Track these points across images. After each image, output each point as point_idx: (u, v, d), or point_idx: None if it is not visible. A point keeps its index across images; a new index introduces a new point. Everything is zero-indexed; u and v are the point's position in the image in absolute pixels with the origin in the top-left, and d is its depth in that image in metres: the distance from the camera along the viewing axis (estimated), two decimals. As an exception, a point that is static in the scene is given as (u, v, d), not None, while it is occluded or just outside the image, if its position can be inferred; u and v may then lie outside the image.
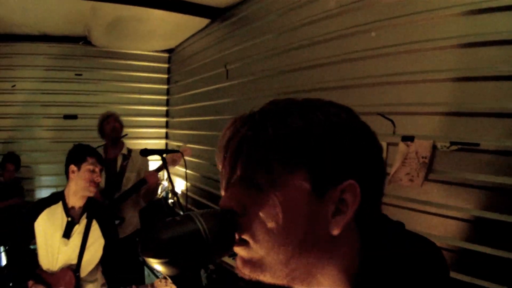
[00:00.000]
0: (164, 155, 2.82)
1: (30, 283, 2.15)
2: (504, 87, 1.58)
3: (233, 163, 0.62)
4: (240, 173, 0.61)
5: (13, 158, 4.55)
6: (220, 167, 0.66)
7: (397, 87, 2.08)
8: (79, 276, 2.23)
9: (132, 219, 3.41)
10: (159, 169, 3.38)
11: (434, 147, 1.82)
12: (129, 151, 3.58)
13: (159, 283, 1.99)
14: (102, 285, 2.38)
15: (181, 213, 4.73)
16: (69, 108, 5.30)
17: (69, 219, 2.23)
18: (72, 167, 2.25)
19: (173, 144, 5.58)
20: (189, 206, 4.80)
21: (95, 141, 5.01)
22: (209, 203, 4.33)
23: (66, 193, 2.28)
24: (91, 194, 2.29)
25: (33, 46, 5.02)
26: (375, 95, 2.21)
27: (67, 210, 2.25)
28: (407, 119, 2.01)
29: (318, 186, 0.58)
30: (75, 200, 2.26)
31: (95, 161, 2.27)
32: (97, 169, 2.27)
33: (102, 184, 3.29)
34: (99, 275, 2.38)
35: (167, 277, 1.67)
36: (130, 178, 3.45)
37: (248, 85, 3.57)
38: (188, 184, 4.90)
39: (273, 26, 3.17)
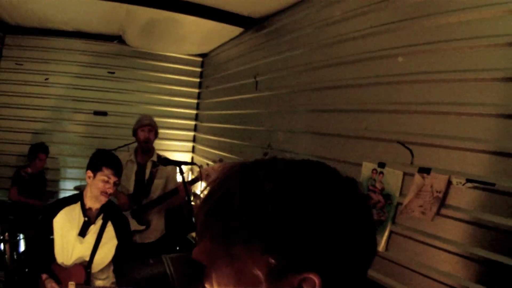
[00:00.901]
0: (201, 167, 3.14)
1: (44, 276, 2.29)
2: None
3: (203, 226, 0.65)
4: (208, 236, 0.65)
5: (44, 148, 4.77)
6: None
7: (420, 117, 2.08)
8: (90, 272, 2.37)
9: (157, 225, 3.52)
10: (192, 181, 3.53)
11: (449, 182, 1.80)
12: (159, 157, 3.58)
13: None
14: (112, 283, 2.51)
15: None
16: (99, 105, 5.51)
17: (86, 219, 2.38)
18: (89, 173, 2.37)
19: (199, 147, 5.70)
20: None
21: (123, 138, 5.27)
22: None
23: (84, 194, 2.43)
24: (101, 203, 2.40)
25: (68, 42, 5.26)
26: (397, 122, 2.21)
27: (85, 210, 2.40)
28: (426, 151, 2.00)
29: (275, 270, 0.58)
30: (92, 202, 2.40)
31: (111, 172, 2.35)
32: (111, 181, 2.35)
33: (131, 188, 3.41)
34: (110, 274, 2.51)
35: None
36: (158, 185, 3.52)
37: (276, 98, 3.62)
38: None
39: (306, 41, 3.20)
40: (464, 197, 1.76)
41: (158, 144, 5.44)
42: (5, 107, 5.17)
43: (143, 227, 3.38)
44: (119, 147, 5.00)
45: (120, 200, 3.24)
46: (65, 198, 2.54)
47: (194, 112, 5.90)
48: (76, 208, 2.40)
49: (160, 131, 5.57)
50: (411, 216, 1.99)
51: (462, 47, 1.86)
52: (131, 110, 5.59)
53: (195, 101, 5.88)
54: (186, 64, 5.77)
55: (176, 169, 3.60)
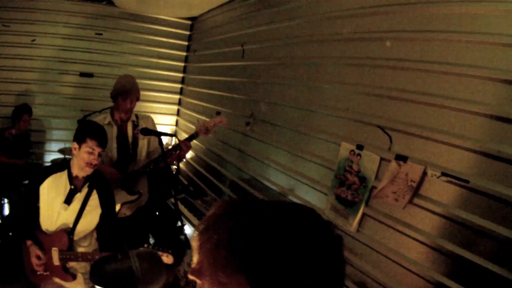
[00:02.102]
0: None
1: (29, 242, 2.29)
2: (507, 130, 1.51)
3: (198, 253, 0.74)
4: (202, 263, 0.73)
5: (28, 109, 4.60)
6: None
7: (403, 104, 2.02)
8: (72, 239, 2.36)
9: (145, 191, 3.28)
10: (192, 137, 3.08)
11: (424, 173, 1.77)
12: (137, 117, 3.26)
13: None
14: (94, 250, 2.50)
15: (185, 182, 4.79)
16: (86, 66, 5.31)
17: (72, 187, 2.34)
18: (74, 144, 2.31)
19: (184, 111, 5.58)
20: (191, 175, 4.87)
21: (109, 100, 5.03)
22: (207, 175, 4.36)
23: (71, 163, 2.39)
24: (87, 174, 2.35)
25: (56, 3, 4.99)
26: (379, 107, 2.16)
27: (71, 178, 2.36)
28: (405, 139, 1.97)
29: None
30: (79, 171, 2.36)
31: (95, 144, 2.28)
32: (95, 152, 2.29)
33: (115, 155, 3.11)
34: (92, 241, 2.50)
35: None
36: (143, 146, 3.23)
37: (261, 69, 3.52)
38: (193, 154, 4.95)
39: (295, 14, 3.06)
40: (437, 190, 1.73)
41: (143, 106, 5.33)
42: None
43: (135, 196, 3.12)
44: (104, 109, 4.88)
45: (108, 176, 2.86)
46: (52, 165, 2.51)
47: (181, 75, 5.74)
48: (63, 175, 2.37)
49: (146, 93, 5.46)
50: (384, 201, 1.98)
51: (453, 40, 1.79)
52: (117, 72, 5.35)
53: (182, 64, 5.70)
54: (175, 27, 5.55)
55: (155, 125, 3.44)
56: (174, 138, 5.16)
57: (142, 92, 4.99)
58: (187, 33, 5.60)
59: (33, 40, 4.99)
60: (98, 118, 3.13)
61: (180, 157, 3.27)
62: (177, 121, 5.84)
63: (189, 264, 3.13)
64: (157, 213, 3.74)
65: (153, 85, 5.56)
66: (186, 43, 5.61)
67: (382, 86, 2.15)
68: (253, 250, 0.66)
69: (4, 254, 3.50)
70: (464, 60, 1.72)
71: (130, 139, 3.19)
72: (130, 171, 3.11)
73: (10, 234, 3.67)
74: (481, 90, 1.64)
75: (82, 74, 5.32)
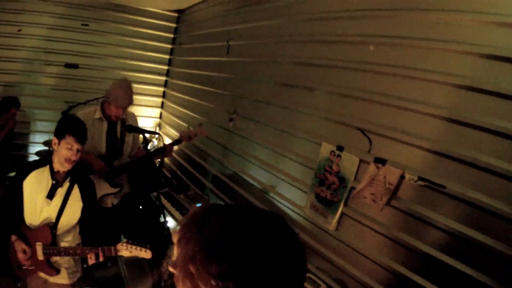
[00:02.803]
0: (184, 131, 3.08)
1: (13, 237, 2.28)
2: (484, 139, 1.53)
3: (177, 248, 0.80)
4: (179, 256, 0.79)
5: (17, 102, 4.50)
6: None
7: (383, 108, 2.03)
8: (55, 233, 2.35)
9: (125, 182, 3.33)
10: (176, 142, 3.28)
11: (402, 177, 1.78)
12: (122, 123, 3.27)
13: (120, 246, 2.21)
14: (77, 244, 2.49)
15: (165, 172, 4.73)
16: (71, 57, 5.20)
17: (54, 182, 2.32)
18: (54, 139, 2.29)
19: (168, 104, 5.51)
20: (174, 168, 4.83)
21: (94, 91, 5.04)
22: (191, 169, 4.32)
23: (53, 158, 2.36)
24: (67, 169, 2.34)
25: None
26: (360, 109, 2.17)
27: (53, 173, 2.35)
28: (384, 142, 1.98)
29: None
30: (60, 166, 2.34)
31: (73, 140, 2.26)
32: (74, 148, 2.28)
33: (103, 150, 3.13)
34: (75, 235, 2.49)
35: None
36: (128, 143, 3.29)
37: (245, 66, 3.50)
38: (176, 147, 4.91)
39: (281, 12, 3.05)
40: (414, 193, 1.74)
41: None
42: None
43: (117, 189, 3.14)
44: (89, 100, 4.78)
45: (97, 166, 2.99)
46: (35, 161, 2.49)
47: (166, 68, 5.67)
48: (45, 171, 2.35)
49: (131, 85, 5.36)
50: (362, 202, 1.99)
51: (432, 47, 1.80)
52: (103, 64, 5.35)
53: (167, 57, 5.64)
54: (161, 19, 5.47)
55: (137, 121, 3.47)
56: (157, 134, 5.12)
57: (126, 84, 4.89)
58: (174, 25, 5.53)
59: (19, 30, 4.87)
60: (88, 111, 3.12)
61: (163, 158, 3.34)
62: (161, 114, 5.78)
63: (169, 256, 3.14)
64: (140, 207, 3.70)
65: (138, 77, 5.47)
66: (172, 35, 5.55)
67: (364, 89, 2.16)
68: (219, 245, 0.73)
69: None
70: (442, 68, 1.74)
71: (118, 135, 3.21)
72: (116, 165, 3.13)
73: None
74: (449, 96, 1.68)
75: (68, 65, 5.22)
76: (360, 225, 2.05)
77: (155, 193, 3.57)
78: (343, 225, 2.18)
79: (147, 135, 3.28)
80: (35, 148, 5.23)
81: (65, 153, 2.26)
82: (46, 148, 4.72)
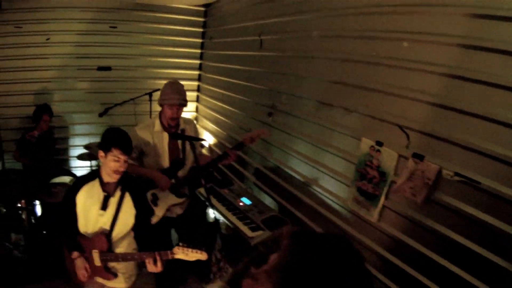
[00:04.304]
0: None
1: (75, 254, 2.51)
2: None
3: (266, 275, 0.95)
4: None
5: (48, 109, 4.83)
6: None
7: (421, 105, 2.22)
8: (111, 240, 2.56)
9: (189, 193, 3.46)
10: (239, 146, 3.26)
11: (439, 172, 2.02)
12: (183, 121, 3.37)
13: (177, 249, 2.35)
14: (134, 249, 2.72)
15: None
16: (103, 60, 5.58)
17: (105, 193, 2.53)
18: (101, 153, 2.47)
19: (203, 97, 5.85)
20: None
21: (128, 91, 5.48)
22: (232, 162, 4.61)
23: (101, 170, 2.59)
24: (115, 180, 2.53)
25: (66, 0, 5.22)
26: (399, 106, 2.37)
27: (103, 185, 2.55)
28: (422, 138, 2.20)
29: None
30: (109, 177, 2.55)
31: (119, 152, 2.43)
32: (121, 160, 2.45)
33: (167, 164, 3.22)
34: (131, 240, 2.71)
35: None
36: (189, 152, 3.29)
37: (281, 60, 3.73)
38: (217, 141, 5.26)
39: (314, 7, 3.22)
40: (451, 188, 1.99)
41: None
42: (6, 71, 5.22)
43: (183, 199, 3.31)
44: (125, 101, 5.16)
45: (162, 183, 3.13)
46: (84, 176, 2.70)
47: (198, 62, 6.01)
48: (95, 184, 2.56)
49: (164, 82, 5.70)
50: (402, 195, 2.24)
51: (469, 45, 1.95)
52: (135, 63, 5.71)
53: (199, 51, 5.96)
54: (188, 14, 5.76)
55: (195, 128, 3.57)
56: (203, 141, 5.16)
57: (160, 81, 5.27)
58: (202, 19, 5.82)
59: (48, 39, 5.24)
60: (146, 125, 3.25)
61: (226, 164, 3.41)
62: (197, 108, 6.14)
63: (219, 251, 3.47)
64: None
65: (171, 73, 5.83)
66: (201, 29, 5.85)
67: (402, 87, 2.33)
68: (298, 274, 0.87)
69: (44, 252, 3.92)
70: (489, 70, 1.88)
71: (179, 145, 3.30)
72: (180, 177, 3.27)
73: (51, 234, 4.06)
74: (486, 95, 1.87)
75: (100, 68, 5.60)
76: (401, 217, 2.32)
77: (200, 190, 3.89)
78: (385, 217, 2.45)
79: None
80: (75, 151, 5.61)
81: (113, 165, 2.44)
82: (87, 151, 5.07)
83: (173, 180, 3.22)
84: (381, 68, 2.52)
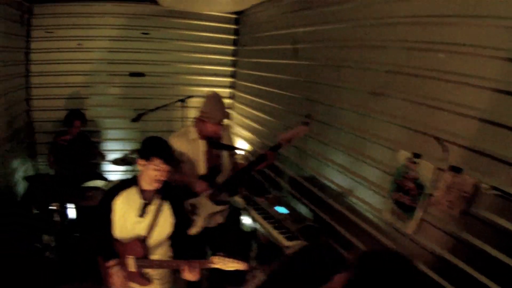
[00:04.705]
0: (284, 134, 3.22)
1: (112, 262, 2.54)
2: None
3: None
4: None
5: (79, 114, 5.04)
6: None
7: (459, 118, 2.30)
8: (147, 247, 2.60)
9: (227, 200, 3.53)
10: (276, 147, 3.27)
11: (476, 186, 2.10)
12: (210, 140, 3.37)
13: (216, 259, 2.38)
14: (169, 256, 2.79)
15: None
16: (135, 66, 5.84)
17: (144, 201, 2.57)
18: (140, 161, 2.51)
19: (237, 105, 6.04)
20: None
21: (161, 97, 5.72)
22: (267, 170, 4.77)
23: (139, 178, 2.65)
24: (154, 188, 2.55)
25: (99, 6, 5.50)
26: (436, 118, 2.45)
27: (142, 192, 2.59)
28: (460, 151, 2.28)
29: None
30: (148, 185, 2.60)
31: (160, 162, 2.46)
32: (161, 169, 2.48)
33: (204, 171, 3.29)
34: (167, 248, 2.78)
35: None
36: (225, 157, 3.41)
37: (317, 69, 3.83)
38: (249, 146, 5.43)
39: (350, 16, 3.31)
40: (488, 202, 2.07)
41: (195, 101, 5.81)
42: (38, 75, 5.53)
43: (225, 207, 3.38)
44: (158, 107, 5.40)
45: (198, 187, 3.20)
46: (122, 181, 2.74)
47: (230, 69, 6.22)
48: (133, 191, 2.59)
49: (197, 88, 5.98)
50: (439, 209, 2.33)
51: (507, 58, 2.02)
52: (167, 70, 5.96)
53: (231, 58, 6.17)
54: (220, 22, 5.99)
55: (230, 133, 3.67)
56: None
57: (193, 88, 5.44)
58: (234, 27, 6.03)
59: (79, 44, 5.54)
60: (182, 133, 3.33)
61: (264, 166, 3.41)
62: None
63: (254, 259, 3.61)
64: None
65: (204, 80, 6.08)
66: (233, 37, 6.05)
67: (439, 99, 2.41)
68: None
69: (75, 254, 4.11)
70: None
71: (216, 152, 3.36)
72: (218, 184, 3.32)
73: (83, 237, 4.31)
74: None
75: (132, 74, 5.86)
76: (437, 230, 2.40)
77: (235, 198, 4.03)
78: (421, 229, 2.53)
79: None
80: (109, 155, 5.79)
81: (153, 174, 2.46)
82: (122, 156, 5.33)
83: (210, 189, 3.27)
84: (420, 80, 2.58)
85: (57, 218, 4.20)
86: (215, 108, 3.17)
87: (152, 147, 2.51)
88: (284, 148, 3.33)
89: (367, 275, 1.05)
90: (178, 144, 3.25)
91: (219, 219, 3.45)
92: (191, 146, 3.28)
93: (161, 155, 2.46)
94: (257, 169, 3.36)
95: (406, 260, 1.11)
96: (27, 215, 4.64)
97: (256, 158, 3.33)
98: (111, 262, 2.55)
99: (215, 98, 3.25)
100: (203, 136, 3.27)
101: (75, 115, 5.00)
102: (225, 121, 3.30)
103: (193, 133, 3.28)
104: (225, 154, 3.38)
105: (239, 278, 3.42)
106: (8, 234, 3.94)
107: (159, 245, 2.67)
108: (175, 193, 2.76)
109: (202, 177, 3.27)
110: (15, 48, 5.07)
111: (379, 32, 2.97)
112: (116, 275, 2.52)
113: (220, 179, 3.36)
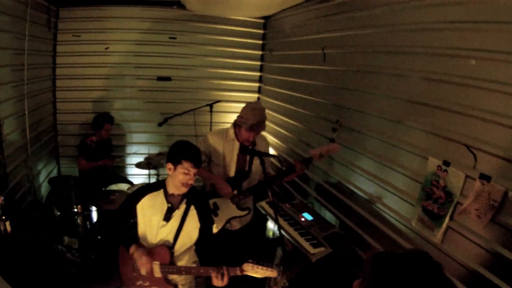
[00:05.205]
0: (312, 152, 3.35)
1: (132, 248, 2.63)
2: None
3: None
4: None
5: (109, 118, 5.28)
6: None
7: (489, 125, 2.34)
8: (173, 253, 2.70)
9: (251, 207, 3.63)
10: (307, 161, 3.47)
11: (505, 194, 2.16)
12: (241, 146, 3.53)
13: (247, 266, 2.45)
14: (194, 262, 2.87)
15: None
16: (162, 70, 6.04)
17: (169, 205, 2.66)
18: (169, 165, 2.60)
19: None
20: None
21: (188, 102, 5.94)
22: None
23: (167, 182, 2.71)
24: (182, 192, 2.65)
25: (126, 10, 5.69)
26: (466, 125, 2.50)
27: (168, 197, 2.69)
28: (489, 159, 2.33)
29: None
30: (175, 189, 2.66)
31: (190, 165, 2.54)
32: (191, 173, 2.56)
33: (232, 173, 3.45)
34: (192, 253, 2.86)
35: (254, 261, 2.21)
36: (257, 165, 3.52)
37: (346, 75, 3.91)
38: (275, 152, 5.53)
39: (379, 22, 3.38)
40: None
41: (221, 106, 6.01)
42: (65, 78, 5.78)
43: (245, 212, 3.46)
44: (185, 112, 5.58)
45: (223, 191, 3.32)
46: (148, 185, 2.84)
47: (258, 74, 6.37)
48: (159, 194, 2.68)
49: (224, 93, 6.14)
50: (467, 217, 2.39)
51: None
52: (195, 74, 6.14)
53: (258, 63, 6.33)
54: (248, 26, 6.14)
55: (268, 144, 3.83)
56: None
57: (220, 93, 5.56)
58: (261, 31, 6.17)
59: (107, 48, 5.76)
60: (220, 131, 3.53)
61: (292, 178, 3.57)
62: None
63: (278, 265, 3.70)
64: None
65: (231, 85, 6.25)
66: (260, 42, 6.20)
67: (469, 105, 2.46)
68: None
69: (97, 257, 4.28)
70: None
71: (247, 157, 3.53)
72: (243, 189, 3.49)
73: (105, 240, 4.42)
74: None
75: (160, 78, 6.05)
76: (465, 239, 2.45)
77: (262, 204, 4.14)
78: (448, 238, 2.58)
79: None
80: (133, 159, 6.08)
81: (182, 178, 2.54)
82: (145, 160, 5.47)
83: (235, 191, 3.40)
84: (451, 87, 2.62)
85: (79, 220, 4.38)
86: (256, 122, 3.29)
87: (182, 151, 2.60)
88: (285, 139, 3.41)
89: (385, 280, 1.07)
90: (214, 140, 3.43)
91: (238, 225, 3.60)
92: (226, 146, 3.45)
93: (191, 159, 2.55)
94: (285, 180, 3.51)
95: (427, 260, 1.11)
96: (48, 216, 4.78)
97: (285, 169, 3.46)
98: (133, 247, 2.63)
99: (258, 108, 3.38)
100: (239, 139, 3.44)
101: (106, 119, 5.22)
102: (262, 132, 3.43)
103: (231, 134, 3.45)
104: (256, 162, 3.49)
105: (260, 283, 3.60)
106: (29, 235, 4.02)
107: (185, 251, 2.76)
108: (201, 198, 2.86)
109: (228, 180, 3.41)
110: (43, 51, 5.30)
111: (411, 38, 3.01)
112: (140, 259, 2.59)
113: (246, 184, 3.53)
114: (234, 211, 3.43)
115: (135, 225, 2.76)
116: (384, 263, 1.11)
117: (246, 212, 3.49)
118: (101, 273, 4.12)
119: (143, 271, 2.68)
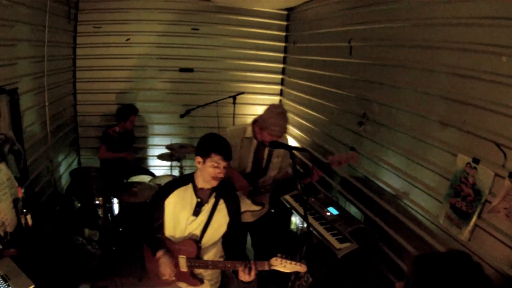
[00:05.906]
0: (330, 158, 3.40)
1: (160, 253, 2.69)
2: None
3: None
4: None
5: (134, 109, 5.44)
6: None
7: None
8: (200, 247, 2.73)
9: (267, 202, 3.76)
10: (323, 167, 3.51)
11: (534, 194, 2.24)
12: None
13: (275, 261, 2.46)
14: (220, 256, 2.90)
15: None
16: (184, 62, 6.17)
17: (199, 200, 2.68)
18: (198, 158, 2.60)
19: (287, 102, 6.26)
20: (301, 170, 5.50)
21: (210, 93, 6.09)
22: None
23: (195, 176, 2.71)
24: (211, 186, 2.66)
25: (147, 1, 5.81)
26: (496, 123, 2.55)
27: (197, 191, 2.70)
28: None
29: None
30: (204, 183, 2.67)
31: (220, 158, 2.53)
32: (221, 166, 2.56)
33: (249, 169, 3.55)
34: (219, 247, 2.88)
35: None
36: (275, 164, 3.65)
37: (373, 68, 3.96)
38: (299, 145, 5.64)
39: (407, 15, 3.42)
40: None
41: (244, 98, 6.13)
42: (85, 70, 5.94)
43: (259, 208, 3.58)
44: (207, 103, 5.70)
45: (239, 183, 3.40)
46: (176, 179, 2.85)
47: (281, 66, 6.46)
48: (188, 189, 2.69)
49: (247, 85, 6.25)
50: (496, 216, 2.46)
51: None
52: (217, 66, 6.26)
53: (282, 55, 6.42)
54: (271, 18, 6.23)
55: (287, 142, 3.81)
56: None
57: (243, 84, 5.67)
58: (284, 23, 6.26)
59: (128, 40, 5.89)
60: (238, 128, 3.61)
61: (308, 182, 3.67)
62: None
63: (302, 259, 3.81)
64: (272, 210, 4.18)
65: (253, 77, 6.36)
66: (284, 33, 6.29)
67: (500, 103, 2.50)
68: None
69: (118, 249, 4.43)
70: None
71: (265, 155, 3.63)
72: (259, 185, 3.58)
73: (127, 233, 4.57)
74: None
75: (182, 70, 6.18)
76: (493, 238, 2.51)
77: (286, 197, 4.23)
78: (476, 237, 2.64)
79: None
80: (155, 150, 6.23)
81: (212, 171, 2.54)
82: (168, 151, 5.62)
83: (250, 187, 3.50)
84: (481, 83, 2.65)
85: (101, 213, 4.46)
86: (279, 122, 3.35)
87: (211, 144, 2.59)
88: (309, 132, 3.47)
89: (428, 282, 1.13)
90: (232, 135, 3.49)
91: (250, 218, 3.70)
92: (244, 143, 3.54)
93: (221, 151, 2.55)
94: (301, 183, 3.51)
95: (468, 262, 1.20)
96: (69, 208, 4.96)
97: (302, 173, 3.59)
98: (160, 253, 2.68)
99: (281, 112, 3.42)
100: (257, 138, 3.53)
101: (132, 110, 5.38)
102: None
103: (249, 132, 3.54)
104: (275, 160, 3.63)
105: (284, 278, 3.59)
106: (50, 228, 4.16)
107: (212, 245, 2.80)
108: (231, 191, 2.89)
109: (245, 175, 3.50)
110: (63, 43, 5.43)
111: (441, 32, 3.04)
112: (165, 265, 2.65)
113: (262, 181, 3.63)
114: (248, 205, 3.54)
115: (161, 226, 2.81)
116: (426, 265, 1.19)
117: (260, 207, 3.59)
118: (122, 266, 4.29)
119: (164, 278, 2.74)
